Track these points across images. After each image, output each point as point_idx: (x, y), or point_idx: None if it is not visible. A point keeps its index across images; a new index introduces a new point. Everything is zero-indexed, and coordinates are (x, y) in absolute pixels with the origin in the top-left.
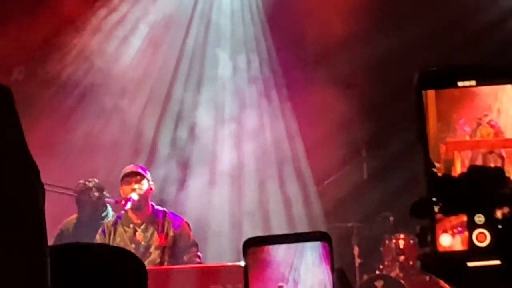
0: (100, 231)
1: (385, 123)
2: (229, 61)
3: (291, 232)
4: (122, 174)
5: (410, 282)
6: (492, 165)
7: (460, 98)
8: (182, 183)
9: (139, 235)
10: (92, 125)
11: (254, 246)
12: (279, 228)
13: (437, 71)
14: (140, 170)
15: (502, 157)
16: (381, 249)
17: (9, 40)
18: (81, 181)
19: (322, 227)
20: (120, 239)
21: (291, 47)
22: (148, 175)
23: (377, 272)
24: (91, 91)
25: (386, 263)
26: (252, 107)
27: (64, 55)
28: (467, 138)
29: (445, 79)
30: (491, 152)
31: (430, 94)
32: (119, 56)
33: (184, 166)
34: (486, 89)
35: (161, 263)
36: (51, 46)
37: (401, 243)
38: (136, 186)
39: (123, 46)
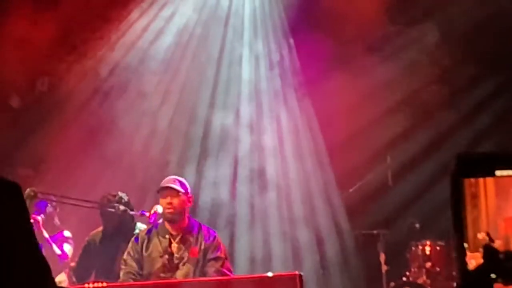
0: (133, 239)
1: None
2: None
3: None
4: (160, 187)
5: None
6: None
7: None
8: None
9: (174, 246)
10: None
11: None
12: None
13: (476, 158)
14: (173, 185)
15: None
16: (407, 255)
17: (32, 51)
18: (106, 194)
19: (348, 235)
20: (154, 248)
21: None
22: (184, 188)
23: (404, 279)
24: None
25: (412, 269)
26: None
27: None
28: None
29: (483, 167)
30: None
31: None
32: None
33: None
34: None
35: (193, 276)
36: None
37: (428, 249)
38: (170, 199)
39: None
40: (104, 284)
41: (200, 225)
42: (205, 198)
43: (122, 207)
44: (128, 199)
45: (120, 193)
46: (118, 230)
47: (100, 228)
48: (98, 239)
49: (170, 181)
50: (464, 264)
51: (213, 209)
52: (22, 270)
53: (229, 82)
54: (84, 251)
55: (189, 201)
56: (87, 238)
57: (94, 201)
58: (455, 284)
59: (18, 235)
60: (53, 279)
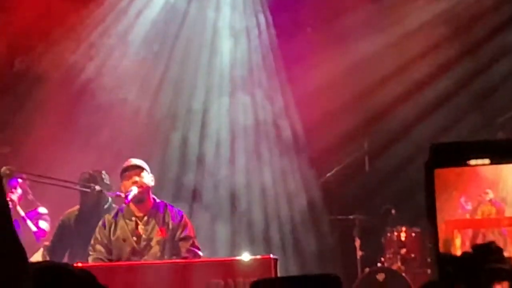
0: (100, 223)
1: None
2: None
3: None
4: (122, 169)
5: (412, 275)
6: (492, 242)
7: (461, 174)
8: None
9: (140, 228)
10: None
11: None
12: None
13: (449, 148)
14: (139, 163)
15: (503, 235)
16: (383, 241)
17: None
18: (86, 172)
19: (324, 220)
20: (121, 232)
21: None
22: (147, 167)
23: (379, 264)
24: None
25: (387, 255)
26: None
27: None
28: (468, 216)
29: (457, 157)
30: (492, 231)
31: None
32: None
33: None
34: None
35: (161, 257)
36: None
37: (403, 235)
38: (137, 178)
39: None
40: (79, 265)
41: (166, 205)
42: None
43: (98, 187)
44: (108, 179)
45: (100, 172)
46: (94, 210)
47: (76, 207)
48: (73, 218)
49: (132, 161)
50: (438, 250)
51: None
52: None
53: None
54: (58, 230)
55: (152, 180)
56: (61, 217)
57: (70, 180)
58: (429, 271)
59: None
60: (26, 263)
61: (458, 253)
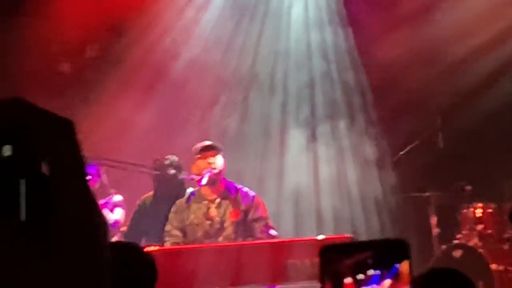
0: (174, 208)
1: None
2: None
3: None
4: (197, 149)
5: (489, 252)
6: None
7: None
8: None
9: (212, 211)
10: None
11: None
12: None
13: None
14: (214, 144)
15: None
16: (458, 218)
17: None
18: (158, 158)
19: (398, 198)
20: (194, 216)
21: None
22: (221, 149)
23: (455, 241)
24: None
25: (463, 232)
26: None
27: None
28: None
29: None
30: None
31: None
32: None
33: None
34: None
35: (235, 239)
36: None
37: (479, 212)
38: (211, 160)
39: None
40: (156, 248)
41: (237, 187)
42: None
43: (172, 171)
44: (179, 163)
45: (171, 157)
46: (169, 194)
47: (151, 193)
48: (149, 203)
49: (207, 142)
50: None
51: None
52: (73, 206)
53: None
54: (135, 216)
55: (224, 163)
56: (138, 202)
57: (144, 164)
58: (505, 247)
59: (73, 172)
60: (101, 214)
61: None
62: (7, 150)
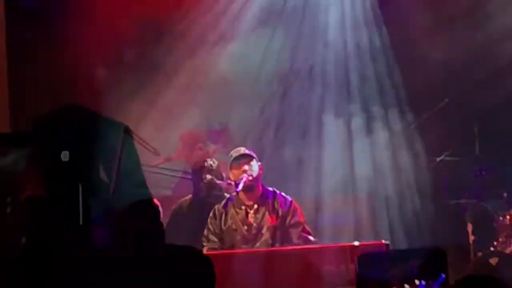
0: (211, 214)
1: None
2: None
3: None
4: (231, 158)
5: None
6: None
7: None
8: None
9: (251, 216)
10: None
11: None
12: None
13: None
14: (249, 152)
15: None
16: (495, 225)
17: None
18: (198, 162)
19: (434, 204)
20: (232, 221)
21: None
22: (256, 156)
23: (492, 249)
24: None
25: (500, 239)
26: None
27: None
28: None
29: None
30: None
31: None
32: None
33: None
34: None
35: (272, 244)
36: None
37: None
38: (246, 167)
39: None
40: None
41: (274, 192)
42: None
43: (208, 176)
44: (218, 167)
45: (209, 160)
46: (206, 198)
47: (189, 196)
48: (186, 207)
49: (242, 150)
50: None
51: None
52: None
53: None
54: (171, 220)
55: (261, 169)
56: (174, 206)
57: (183, 170)
58: None
59: (136, 166)
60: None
61: None
62: (65, 156)
